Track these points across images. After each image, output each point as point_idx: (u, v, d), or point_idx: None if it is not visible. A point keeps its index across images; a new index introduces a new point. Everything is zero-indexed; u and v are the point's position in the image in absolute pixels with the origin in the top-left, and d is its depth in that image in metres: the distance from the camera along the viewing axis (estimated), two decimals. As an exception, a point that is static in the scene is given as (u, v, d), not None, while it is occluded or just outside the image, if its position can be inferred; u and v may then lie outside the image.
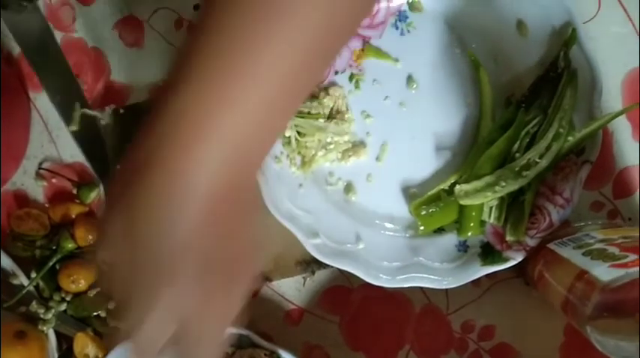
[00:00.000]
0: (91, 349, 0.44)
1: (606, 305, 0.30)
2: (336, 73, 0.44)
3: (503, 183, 0.40)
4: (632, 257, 0.32)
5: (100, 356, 0.44)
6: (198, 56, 0.24)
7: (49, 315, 0.44)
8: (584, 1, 0.43)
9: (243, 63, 0.23)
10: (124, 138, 0.45)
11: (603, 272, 0.31)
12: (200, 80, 0.23)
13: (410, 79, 0.44)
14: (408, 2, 0.44)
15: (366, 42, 0.44)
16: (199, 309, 0.25)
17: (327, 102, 0.43)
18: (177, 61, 0.24)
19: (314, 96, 0.44)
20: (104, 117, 0.45)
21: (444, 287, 0.40)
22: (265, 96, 0.24)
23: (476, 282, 0.42)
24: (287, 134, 0.42)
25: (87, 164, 0.46)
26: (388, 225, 0.43)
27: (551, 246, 0.39)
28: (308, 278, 0.45)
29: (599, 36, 0.41)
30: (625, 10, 0.44)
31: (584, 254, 0.35)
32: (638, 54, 0.44)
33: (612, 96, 0.41)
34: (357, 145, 0.44)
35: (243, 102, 0.24)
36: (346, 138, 0.43)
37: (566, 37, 0.40)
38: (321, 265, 0.44)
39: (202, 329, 0.26)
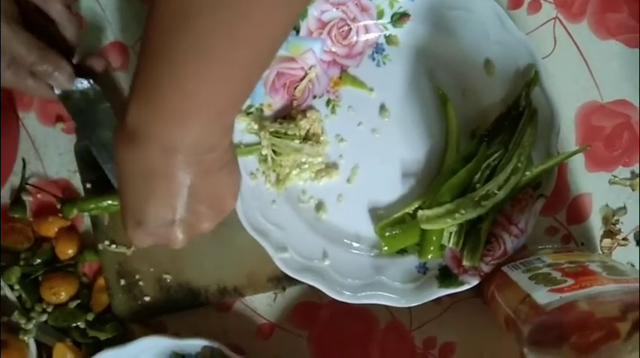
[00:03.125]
0: (69, 358, 0.47)
1: (542, 328, 0.33)
2: (314, 97, 0.48)
3: (463, 211, 0.44)
4: (570, 282, 0.35)
5: (78, 365, 0.47)
6: (155, 86, 0.29)
7: (30, 325, 0.47)
8: (541, 39, 0.47)
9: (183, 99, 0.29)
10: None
11: (541, 296, 0.35)
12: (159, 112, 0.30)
13: (383, 108, 0.48)
14: (385, 36, 0.48)
15: (343, 70, 0.48)
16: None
17: (304, 124, 0.47)
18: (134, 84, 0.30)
19: (292, 118, 0.48)
20: None
21: (402, 305, 0.44)
22: (211, 110, 0.30)
23: (437, 301, 0.46)
24: (263, 152, 0.46)
25: (71, 180, 0.49)
26: (354, 244, 0.47)
27: (505, 268, 0.42)
28: (279, 294, 0.48)
29: (555, 72, 0.44)
30: (578, 47, 0.47)
31: (530, 278, 0.38)
32: (589, 89, 0.47)
33: (566, 128, 0.45)
34: (330, 166, 0.48)
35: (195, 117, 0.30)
36: (320, 159, 0.47)
37: (528, 78, 0.45)
38: (292, 281, 0.47)
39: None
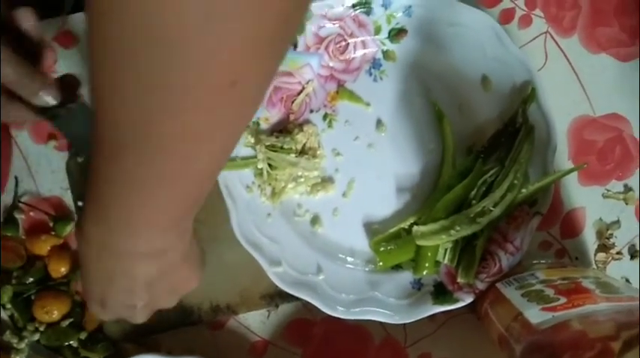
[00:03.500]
0: (62, 378, 0.46)
1: (534, 347, 0.33)
2: (311, 111, 0.49)
3: (458, 228, 0.44)
4: (562, 300, 0.35)
5: (70, 385, 0.46)
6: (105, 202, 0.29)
7: (22, 345, 0.47)
8: (532, 54, 0.47)
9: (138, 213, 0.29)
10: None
11: (534, 315, 0.35)
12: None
13: (379, 123, 0.48)
14: (382, 51, 0.48)
15: (340, 85, 0.49)
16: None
17: (301, 138, 0.47)
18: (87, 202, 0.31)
19: (288, 132, 0.48)
20: (81, 155, 0.48)
21: (396, 321, 0.44)
22: (169, 215, 0.30)
23: (432, 317, 0.46)
24: (259, 166, 0.47)
25: (64, 197, 0.49)
26: (349, 259, 0.47)
27: (498, 284, 0.42)
28: (272, 312, 0.48)
29: (546, 86, 0.45)
30: (569, 62, 0.48)
31: (523, 295, 0.38)
32: (581, 103, 0.47)
33: (559, 142, 0.45)
34: (326, 181, 0.48)
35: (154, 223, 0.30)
36: (316, 173, 0.48)
37: (525, 95, 0.45)
38: (285, 299, 0.47)
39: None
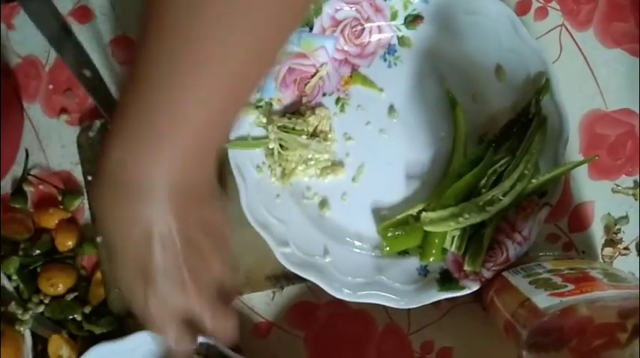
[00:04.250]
0: (65, 351, 0.47)
1: (541, 332, 0.34)
2: (324, 94, 0.49)
3: (467, 215, 0.44)
4: (570, 287, 0.35)
5: (73, 357, 0.47)
6: (149, 78, 0.29)
7: (27, 316, 0.47)
8: (547, 46, 0.47)
9: (185, 84, 0.29)
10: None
11: (542, 300, 0.35)
12: (152, 101, 0.30)
13: (391, 109, 0.48)
14: (398, 37, 0.49)
15: (354, 69, 0.49)
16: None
17: (313, 120, 0.48)
18: (131, 78, 0.30)
19: (300, 114, 0.48)
20: (93, 129, 0.48)
21: (401, 306, 0.44)
22: (206, 110, 0.30)
23: (436, 304, 0.46)
24: (270, 146, 0.47)
25: (73, 172, 0.49)
26: (356, 243, 0.48)
27: (505, 273, 0.42)
28: (277, 293, 0.49)
29: (560, 79, 0.45)
30: (583, 55, 0.48)
31: (530, 282, 0.38)
32: (594, 97, 0.48)
33: (570, 135, 0.45)
34: (336, 164, 0.48)
35: (187, 118, 0.30)
36: (326, 156, 0.48)
37: (539, 86, 0.45)
38: (290, 281, 0.47)
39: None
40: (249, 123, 0.47)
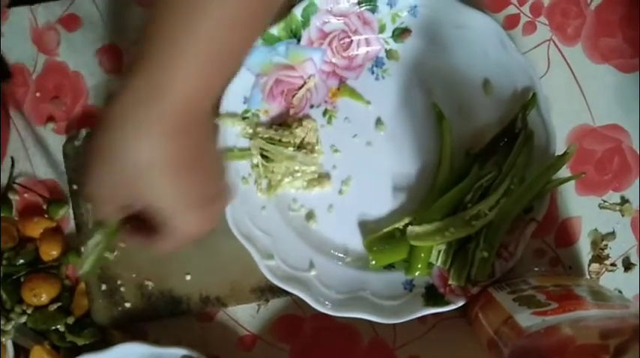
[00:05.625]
0: (46, 362, 0.46)
1: (522, 350, 0.33)
2: (312, 106, 0.49)
3: (453, 230, 0.44)
4: (554, 305, 0.35)
5: (55, 369, 0.46)
6: (157, 27, 0.32)
7: (9, 327, 0.47)
8: (535, 60, 0.47)
9: (187, 28, 0.31)
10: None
11: (524, 319, 0.35)
12: (158, 48, 0.32)
13: (379, 122, 0.48)
14: (386, 50, 0.49)
15: (342, 82, 0.49)
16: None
17: (299, 132, 0.48)
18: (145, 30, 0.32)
19: (287, 126, 0.48)
20: (79, 139, 0.48)
21: (386, 321, 0.44)
22: (206, 52, 0.32)
23: (422, 319, 0.46)
24: (254, 160, 0.47)
25: (59, 181, 0.49)
26: (342, 256, 0.48)
27: (490, 289, 0.42)
28: (262, 306, 0.48)
29: (548, 94, 0.45)
30: (571, 70, 0.48)
31: (514, 299, 0.38)
32: (581, 113, 0.47)
33: (557, 151, 0.45)
34: (323, 177, 0.48)
35: (189, 58, 0.32)
36: (313, 168, 0.48)
37: (526, 101, 0.46)
38: (276, 293, 0.47)
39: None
40: (236, 134, 0.47)
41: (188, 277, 0.47)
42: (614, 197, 0.48)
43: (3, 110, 0.50)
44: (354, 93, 0.49)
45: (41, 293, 0.47)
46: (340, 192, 0.48)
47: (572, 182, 0.48)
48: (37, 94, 0.51)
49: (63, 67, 0.51)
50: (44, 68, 0.51)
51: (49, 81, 0.51)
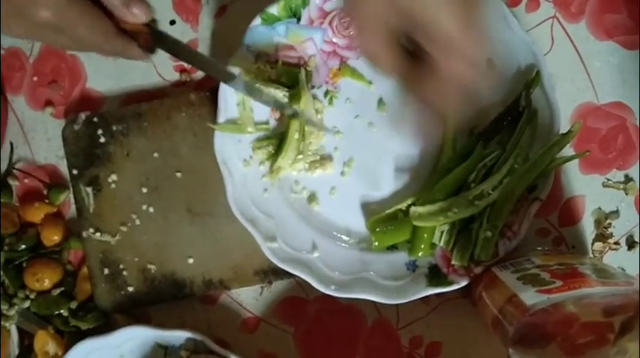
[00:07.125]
0: (51, 346, 0.47)
1: (527, 328, 0.33)
2: (313, 87, 0.48)
3: (456, 210, 0.44)
4: (558, 283, 0.35)
5: (59, 353, 0.47)
6: None
7: (12, 312, 0.47)
8: (539, 38, 0.47)
9: None
10: (92, 144, 0.48)
11: (529, 297, 0.35)
12: None
13: (380, 102, 0.48)
14: None
15: (343, 62, 0.48)
16: None
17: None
18: None
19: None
20: (78, 122, 0.47)
21: (389, 302, 0.44)
22: None
23: (425, 300, 0.46)
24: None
25: (59, 165, 0.49)
26: (344, 238, 0.47)
27: (494, 268, 0.42)
28: (265, 288, 0.48)
29: (552, 71, 0.45)
30: (575, 47, 0.47)
31: (518, 278, 0.38)
32: (586, 90, 0.47)
33: (562, 129, 0.44)
34: (325, 158, 0.48)
35: None
36: (315, 147, 0.47)
37: (530, 79, 0.45)
38: (279, 276, 0.47)
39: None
40: (237, 103, 0.46)
41: (190, 260, 0.47)
42: (617, 175, 0.48)
43: (1, 95, 0.50)
44: (355, 73, 0.48)
45: (44, 278, 0.47)
46: (342, 173, 0.47)
47: (576, 161, 0.47)
48: (35, 79, 0.50)
49: (61, 51, 0.50)
50: (41, 52, 0.50)
51: (46, 65, 0.50)
